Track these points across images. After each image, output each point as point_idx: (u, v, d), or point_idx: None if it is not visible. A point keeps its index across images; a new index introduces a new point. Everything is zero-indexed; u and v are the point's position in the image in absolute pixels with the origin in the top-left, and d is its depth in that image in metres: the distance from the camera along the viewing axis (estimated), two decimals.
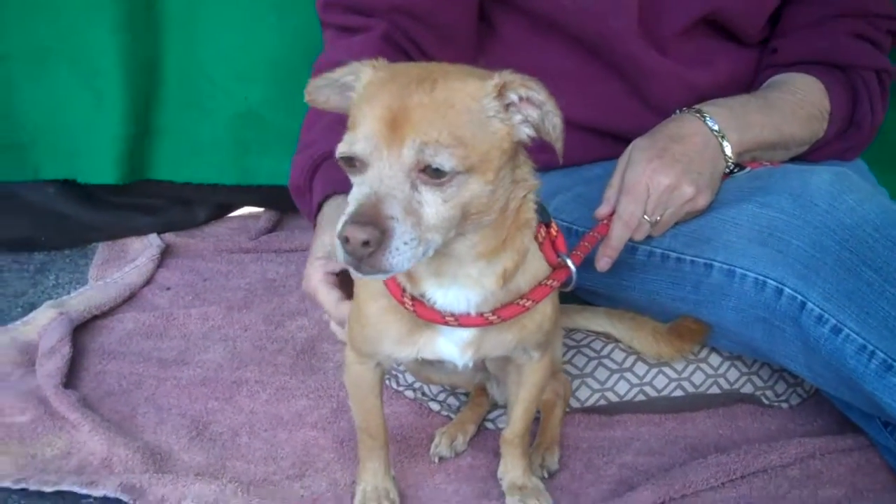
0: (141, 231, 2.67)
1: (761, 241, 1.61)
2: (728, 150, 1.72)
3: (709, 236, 1.69)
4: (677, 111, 1.77)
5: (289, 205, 2.73)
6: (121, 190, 2.62)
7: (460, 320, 1.37)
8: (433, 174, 1.17)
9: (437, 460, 1.75)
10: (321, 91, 1.34)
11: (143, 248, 2.58)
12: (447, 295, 1.36)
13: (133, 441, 1.79)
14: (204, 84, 2.54)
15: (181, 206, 2.72)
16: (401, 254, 1.16)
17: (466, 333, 1.41)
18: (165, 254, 2.59)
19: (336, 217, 1.23)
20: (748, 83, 1.99)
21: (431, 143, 1.15)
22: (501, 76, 1.23)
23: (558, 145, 1.25)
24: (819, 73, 1.91)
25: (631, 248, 1.75)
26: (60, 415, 1.85)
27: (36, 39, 2.48)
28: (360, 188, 1.19)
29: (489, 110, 1.22)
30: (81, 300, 2.27)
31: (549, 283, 1.42)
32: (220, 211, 2.80)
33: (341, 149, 1.20)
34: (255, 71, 2.54)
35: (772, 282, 1.61)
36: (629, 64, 1.83)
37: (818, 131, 1.88)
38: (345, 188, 1.43)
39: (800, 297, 1.57)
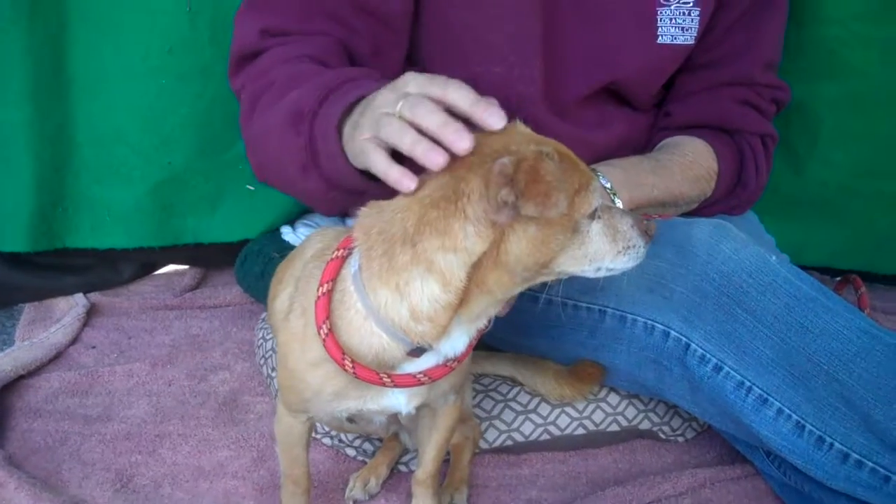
0: (67, 291, 2.70)
1: (649, 288, 1.74)
2: (619, 206, 1.84)
3: (602, 285, 1.80)
4: None
5: (213, 261, 2.84)
6: (46, 252, 2.64)
7: (395, 380, 1.42)
8: None
9: (351, 503, 1.83)
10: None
11: (69, 308, 2.62)
12: (422, 360, 1.41)
13: (58, 496, 1.83)
14: (124, 152, 2.57)
15: (106, 266, 2.76)
16: None
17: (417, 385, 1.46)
18: (91, 313, 2.63)
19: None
20: (642, 143, 2.14)
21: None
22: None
23: None
24: (708, 136, 2.07)
25: (531, 296, 1.85)
26: None
27: None
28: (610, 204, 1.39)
29: None
30: (8, 360, 2.31)
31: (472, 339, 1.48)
32: (145, 269, 2.85)
33: (597, 200, 1.32)
34: (177, 136, 2.57)
35: (659, 326, 1.73)
36: (532, 126, 1.94)
37: (706, 190, 2.04)
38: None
39: (684, 339, 1.70)
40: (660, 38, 2.00)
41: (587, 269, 1.36)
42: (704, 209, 2.08)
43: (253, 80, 1.80)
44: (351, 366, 1.38)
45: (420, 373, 1.41)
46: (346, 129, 1.46)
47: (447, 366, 1.43)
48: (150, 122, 2.55)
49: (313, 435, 2.00)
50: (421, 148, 1.25)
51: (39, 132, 2.50)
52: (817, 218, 2.67)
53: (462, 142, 1.24)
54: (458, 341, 1.39)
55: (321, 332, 1.37)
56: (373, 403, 1.48)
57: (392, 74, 1.89)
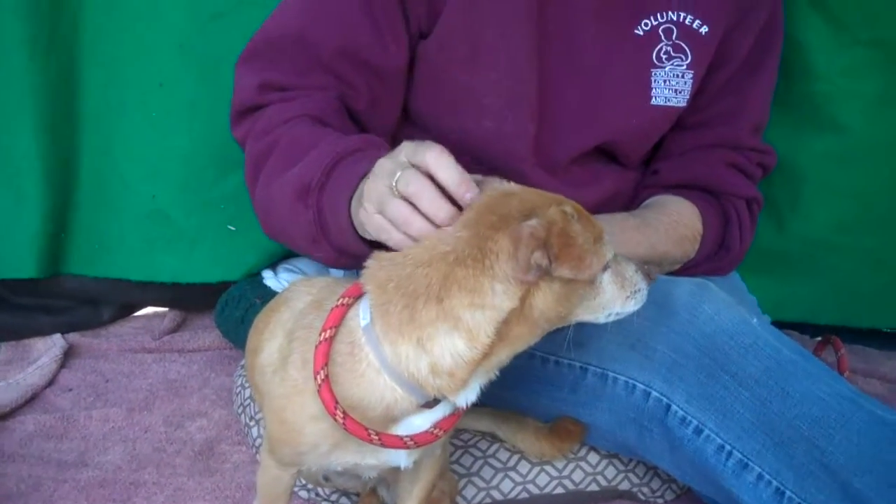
0: (44, 331, 2.68)
1: (630, 346, 1.73)
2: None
3: (583, 341, 1.80)
4: None
5: (193, 304, 2.82)
6: (25, 290, 2.64)
7: (382, 439, 1.42)
8: None
9: None
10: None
11: (47, 349, 2.59)
12: (424, 420, 1.43)
13: None
14: (116, 183, 2.60)
15: (87, 306, 2.75)
16: None
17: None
18: (69, 354, 2.61)
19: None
20: (629, 199, 2.14)
21: None
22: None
23: None
24: (694, 197, 2.08)
25: None
26: None
27: None
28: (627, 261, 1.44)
29: None
30: None
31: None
32: (125, 311, 2.83)
33: (610, 251, 1.38)
34: (163, 169, 2.60)
35: (640, 385, 1.73)
36: (520, 183, 1.93)
37: (690, 252, 2.03)
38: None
39: (665, 399, 1.69)
40: (654, 99, 2.00)
41: (600, 317, 1.43)
42: (687, 270, 2.07)
43: (255, 139, 1.81)
44: (342, 417, 1.37)
45: (408, 437, 1.42)
46: (354, 203, 1.49)
47: (433, 434, 1.44)
48: (139, 155, 2.59)
49: None
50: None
51: (52, 161, 2.55)
52: (797, 273, 2.67)
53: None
54: (472, 392, 1.40)
55: (317, 378, 1.37)
56: (371, 458, 1.47)
57: (388, 126, 1.93)
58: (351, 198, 1.50)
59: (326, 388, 1.37)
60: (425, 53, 1.92)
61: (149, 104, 2.55)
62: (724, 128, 2.10)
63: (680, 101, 2.03)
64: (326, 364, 1.37)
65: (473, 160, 1.96)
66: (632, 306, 1.44)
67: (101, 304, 2.77)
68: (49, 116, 2.51)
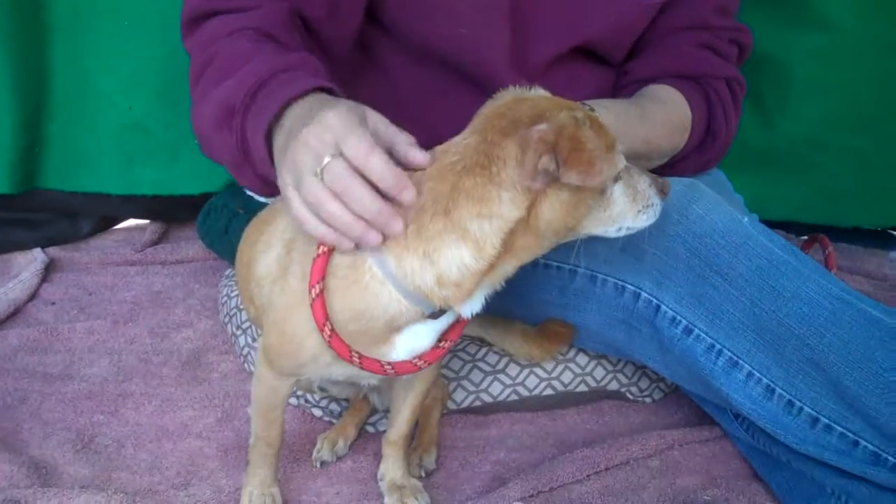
0: (24, 246, 2.66)
1: (620, 248, 1.72)
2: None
3: (572, 244, 1.78)
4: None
5: (174, 216, 2.79)
6: (2, 205, 2.60)
7: (363, 363, 1.43)
8: None
9: (319, 465, 1.82)
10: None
11: (27, 263, 2.57)
12: (428, 329, 1.43)
13: (18, 456, 1.80)
14: (91, 94, 2.55)
15: (65, 220, 2.72)
16: None
17: (422, 345, 1.45)
18: (50, 268, 2.59)
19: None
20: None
21: None
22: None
23: None
24: (677, 84, 2.00)
25: None
26: None
27: None
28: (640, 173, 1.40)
29: None
30: None
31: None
32: (105, 223, 2.80)
33: (623, 160, 1.35)
34: (139, 80, 2.55)
35: (630, 287, 1.72)
36: (500, 89, 1.89)
37: (679, 144, 1.97)
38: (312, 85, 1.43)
39: (655, 300, 1.69)
40: None
41: (610, 230, 1.40)
42: (677, 164, 2.02)
43: (197, 52, 1.72)
44: (328, 334, 1.37)
45: (417, 358, 1.44)
46: (277, 138, 1.43)
47: (441, 348, 1.46)
48: (114, 65, 2.55)
49: None
50: (343, 233, 1.29)
51: (22, 73, 2.49)
52: (784, 172, 2.68)
53: (397, 226, 1.29)
54: (477, 303, 1.39)
55: (312, 291, 1.36)
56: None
57: (348, 35, 1.85)
58: (272, 125, 1.44)
59: (319, 304, 1.36)
60: None
61: (121, 12, 2.49)
62: (685, 8, 2.01)
63: None
64: (322, 279, 1.36)
65: (449, 67, 1.92)
66: (644, 221, 1.41)
67: (81, 217, 2.75)
68: (15, 26, 2.44)
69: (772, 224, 2.62)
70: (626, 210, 1.38)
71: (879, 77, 2.51)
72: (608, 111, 1.73)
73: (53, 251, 2.66)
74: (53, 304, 2.44)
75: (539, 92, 1.39)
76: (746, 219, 1.66)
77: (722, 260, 1.62)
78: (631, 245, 1.70)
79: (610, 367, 2.01)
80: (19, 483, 1.74)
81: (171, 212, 2.75)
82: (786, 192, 2.70)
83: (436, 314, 1.39)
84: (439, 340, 1.48)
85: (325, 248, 1.36)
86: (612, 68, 2.09)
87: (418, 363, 1.46)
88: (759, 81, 2.55)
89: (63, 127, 2.60)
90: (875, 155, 2.61)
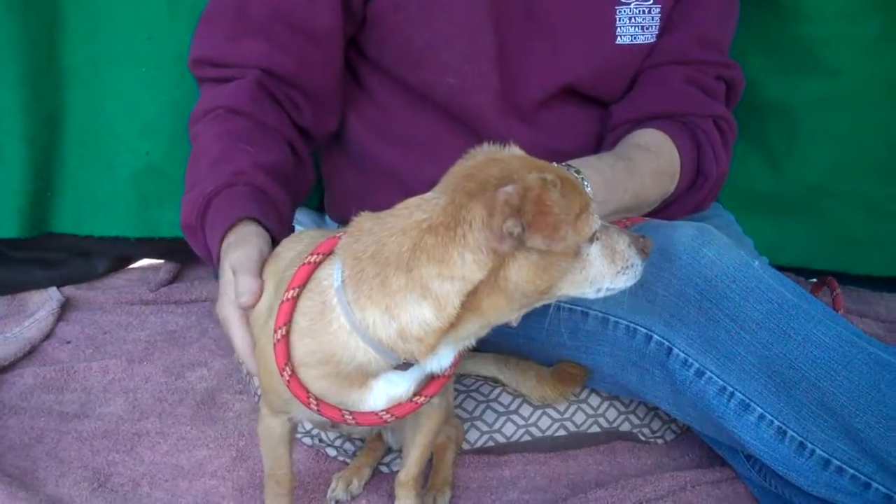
0: (40, 285, 2.67)
1: (632, 291, 1.72)
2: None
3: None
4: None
5: (189, 256, 2.80)
6: (19, 244, 2.62)
7: (357, 418, 1.46)
8: None
9: (333, 503, 1.83)
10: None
11: (43, 302, 2.59)
12: (402, 377, 1.44)
13: (34, 495, 1.81)
14: (107, 139, 2.57)
15: (81, 259, 2.73)
16: None
17: (399, 392, 1.46)
18: (65, 307, 2.60)
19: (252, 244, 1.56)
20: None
21: None
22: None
23: None
24: (663, 126, 1.99)
25: None
26: None
27: None
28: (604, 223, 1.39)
29: None
30: None
31: (446, 373, 1.49)
32: (120, 263, 2.82)
33: (597, 222, 1.35)
34: (156, 125, 2.57)
35: (642, 329, 1.74)
36: (493, 135, 1.89)
37: (669, 190, 1.97)
38: (239, 216, 1.64)
39: (666, 342, 1.71)
40: (619, 38, 1.97)
41: (588, 292, 1.39)
42: (668, 208, 2.02)
43: (190, 123, 1.95)
44: (288, 378, 1.41)
45: (384, 411, 1.45)
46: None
47: (414, 402, 1.46)
48: (130, 111, 2.56)
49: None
50: None
51: (35, 118, 2.51)
52: (793, 218, 2.68)
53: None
54: (444, 358, 1.40)
55: (277, 333, 1.39)
56: (354, 407, 1.47)
57: (321, 90, 1.97)
58: (218, 249, 1.67)
59: (282, 346, 1.40)
60: (383, 14, 1.91)
61: (138, 58, 2.51)
62: (669, 41, 2.02)
63: (648, 37, 2.00)
64: (288, 322, 1.39)
65: (444, 114, 1.96)
66: (623, 282, 1.40)
67: (96, 256, 2.76)
68: (30, 70, 2.46)
69: (782, 269, 2.65)
70: (604, 272, 1.37)
71: (888, 122, 2.52)
72: (596, 173, 1.75)
73: (69, 290, 2.68)
74: (69, 342, 2.46)
75: (514, 151, 1.39)
76: (757, 262, 1.68)
77: (732, 303, 1.64)
78: (643, 288, 1.71)
79: (622, 408, 2.02)
80: None
81: (185, 251, 2.74)
82: (796, 237, 2.70)
83: (403, 365, 1.40)
84: (415, 394, 1.48)
85: (293, 294, 1.39)
86: (605, 108, 2.10)
87: (384, 416, 1.46)
88: (766, 128, 2.59)
89: (77, 171, 2.62)
90: (885, 201, 2.61)
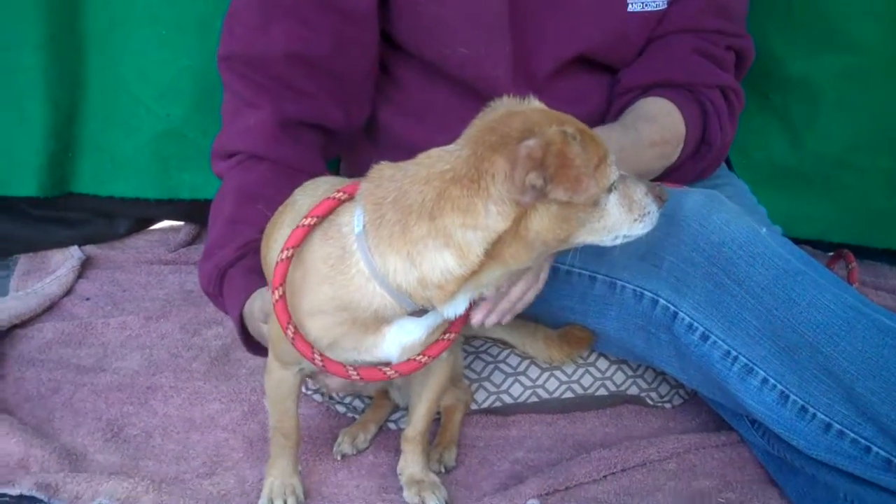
0: (62, 243, 2.71)
1: (640, 256, 1.75)
2: None
3: (593, 251, 1.81)
4: None
5: (207, 219, 2.84)
6: (43, 203, 2.67)
7: (361, 374, 1.50)
8: None
9: (340, 457, 1.86)
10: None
11: (64, 260, 2.63)
12: (416, 325, 1.48)
13: (49, 443, 1.86)
14: (127, 101, 2.60)
15: (102, 219, 2.77)
16: None
17: (411, 339, 1.50)
18: (86, 265, 2.65)
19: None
20: None
21: None
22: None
23: None
24: (670, 95, 1.97)
25: None
26: None
27: None
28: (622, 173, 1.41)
29: None
30: (2, 309, 2.33)
31: (448, 336, 1.53)
32: (141, 224, 2.86)
33: (616, 171, 1.38)
34: (176, 88, 2.60)
35: (648, 293, 1.75)
36: None
37: (672, 159, 1.96)
38: (253, 288, 1.69)
39: (672, 307, 1.72)
40: (630, 6, 1.96)
41: (605, 240, 1.42)
42: (672, 173, 1.99)
43: (213, 157, 1.99)
44: (292, 335, 1.45)
45: (390, 368, 1.49)
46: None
47: (418, 361, 1.50)
48: (151, 73, 2.59)
49: (304, 391, 2.02)
50: None
51: (55, 78, 2.55)
52: (812, 191, 2.67)
53: None
54: (460, 305, 1.43)
55: (276, 293, 1.43)
56: (367, 354, 1.50)
57: (356, 75, 1.94)
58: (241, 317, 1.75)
59: (282, 305, 1.44)
60: None
61: (158, 21, 2.54)
62: (678, 9, 2.01)
63: (659, 4, 1.98)
64: (283, 283, 1.43)
65: (459, 85, 1.96)
66: (640, 229, 1.44)
67: (117, 217, 2.80)
68: (50, 33, 2.49)
69: (800, 242, 2.65)
70: (622, 220, 1.41)
71: None
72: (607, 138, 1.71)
73: (90, 249, 2.72)
74: (88, 299, 2.50)
75: (534, 104, 1.42)
76: (765, 230, 1.69)
77: (739, 269, 1.65)
78: (650, 253, 1.73)
79: (630, 372, 2.03)
80: (50, 468, 1.80)
81: (205, 214, 2.78)
82: (814, 210, 2.70)
83: (418, 312, 1.43)
84: (425, 348, 1.51)
85: (289, 253, 1.43)
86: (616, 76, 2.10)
87: (389, 373, 1.49)
88: (787, 102, 2.59)
89: (98, 133, 2.66)
90: None
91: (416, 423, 1.74)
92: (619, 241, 1.43)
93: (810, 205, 2.68)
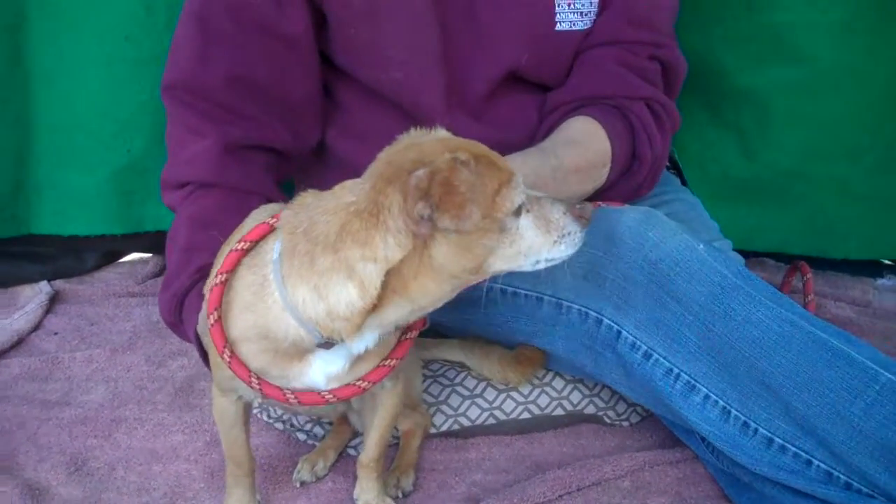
0: (31, 279, 2.74)
1: (583, 275, 1.78)
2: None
3: (538, 272, 1.83)
4: None
5: None
6: (9, 240, 2.70)
7: (300, 397, 1.52)
8: None
9: (299, 485, 1.88)
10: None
11: (34, 296, 2.66)
12: (336, 355, 1.50)
13: (12, 479, 1.88)
14: (83, 139, 2.62)
15: (71, 254, 2.80)
16: None
17: (335, 369, 1.52)
18: (55, 300, 2.67)
19: None
20: None
21: None
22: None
23: None
24: (596, 112, 1.95)
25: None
26: None
27: None
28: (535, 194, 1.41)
29: None
30: None
31: (409, 336, 1.56)
32: (109, 257, 2.89)
33: (521, 197, 1.36)
34: (136, 123, 2.61)
35: (592, 313, 1.78)
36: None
37: (599, 181, 1.94)
38: None
39: (616, 326, 1.75)
40: (558, 25, 1.98)
41: (524, 265, 1.41)
42: (604, 194, 1.97)
43: (163, 187, 2.02)
44: (228, 358, 1.48)
45: (328, 392, 1.51)
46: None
47: (357, 386, 1.52)
48: (108, 110, 2.60)
49: (266, 419, 2.04)
50: None
51: (0, 120, 2.55)
52: (768, 203, 2.71)
53: None
54: (369, 339, 1.45)
55: (210, 318, 1.47)
56: (296, 381, 1.52)
57: (301, 98, 1.98)
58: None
59: (217, 329, 1.47)
60: (331, 9, 1.94)
61: (114, 58, 2.55)
62: (600, 23, 2.01)
63: (587, 23, 2.00)
64: (219, 307, 1.46)
65: (396, 109, 1.99)
66: (561, 252, 1.42)
67: (84, 252, 2.83)
68: None
69: (758, 255, 2.69)
70: (539, 243, 1.40)
71: (858, 107, 2.55)
72: (524, 165, 1.74)
73: (59, 283, 2.75)
74: (56, 334, 2.52)
75: (440, 133, 1.43)
76: (702, 245, 1.72)
77: (677, 286, 1.68)
78: (592, 272, 1.76)
79: (587, 391, 2.06)
80: None
81: None
82: (771, 223, 2.73)
83: (326, 344, 1.45)
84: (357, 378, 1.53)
85: (221, 279, 1.46)
86: None
87: (327, 396, 1.51)
88: (739, 114, 2.62)
89: (53, 172, 2.67)
90: (858, 185, 2.64)
91: (368, 450, 1.76)
92: (541, 266, 1.42)
93: (767, 217, 2.71)
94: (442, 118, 1.73)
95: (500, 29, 1.98)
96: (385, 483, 1.83)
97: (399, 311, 1.40)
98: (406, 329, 1.56)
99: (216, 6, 1.91)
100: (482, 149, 1.38)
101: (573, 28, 2.00)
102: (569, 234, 1.41)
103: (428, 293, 1.37)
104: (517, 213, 1.37)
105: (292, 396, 1.52)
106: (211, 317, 1.46)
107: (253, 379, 1.49)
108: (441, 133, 1.43)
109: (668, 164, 2.43)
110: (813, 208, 2.69)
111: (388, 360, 1.55)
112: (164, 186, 1.98)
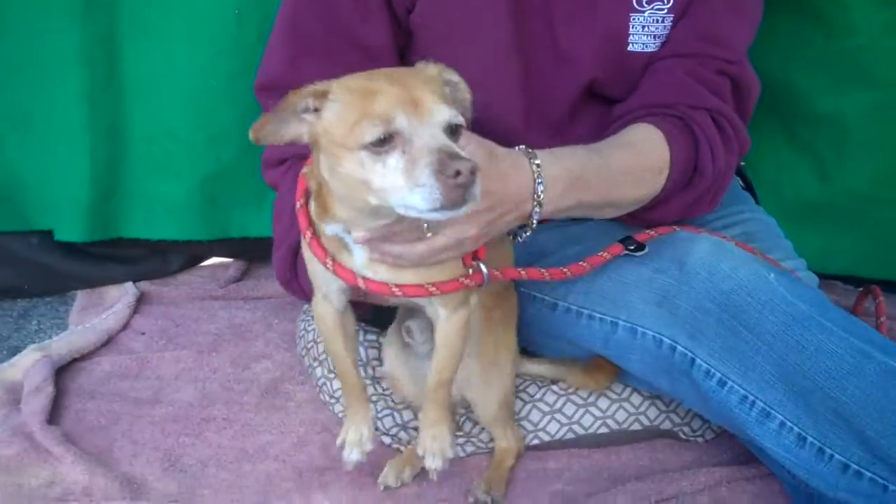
0: (118, 280, 2.83)
1: (657, 302, 1.82)
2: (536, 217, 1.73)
3: (614, 297, 1.88)
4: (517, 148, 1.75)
5: (256, 255, 2.95)
6: (98, 242, 2.78)
7: (368, 284, 1.62)
8: (452, 132, 1.42)
9: (382, 488, 1.95)
10: (269, 131, 1.47)
11: (120, 296, 2.75)
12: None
13: (111, 472, 1.97)
14: (173, 147, 2.69)
15: (156, 257, 2.89)
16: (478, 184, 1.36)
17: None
18: (140, 301, 2.76)
19: None
20: None
21: (448, 107, 1.41)
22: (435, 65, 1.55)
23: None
24: (658, 121, 1.94)
25: (552, 304, 1.98)
26: (45, 448, 2.03)
27: (16, 101, 2.63)
28: (426, 141, 1.36)
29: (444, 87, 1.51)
30: (63, 344, 2.45)
31: (464, 280, 1.64)
32: (193, 261, 2.98)
33: (374, 133, 1.36)
34: (227, 134, 2.68)
35: (667, 340, 1.82)
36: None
37: (654, 187, 1.91)
38: None
39: (690, 353, 1.78)
40: (630, 46, 2.01)
41: (394, 203, 1.39)
42: (658, 207, 1.96)
43: (263, 168, 2.18)
44: (309, 239, 1.64)
45: (395, 285, 1.62)
46: None
47: (426, 288, 1.62)
48: (200, 120, 2.67)
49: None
50: None
51: (95, 129, 2.64)
52: (842, 226, 2.72)
53: None
54: (336, 228, 1.59)
55: (297, 205, 1.63)
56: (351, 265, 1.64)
57: None
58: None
59: (303, 213, 1.64)
60: (414, 28, 2.00)
61: (207, 72, 2.62)
62: (671, 37, 2.01)
63: (657, 44, 2.02)
64: (311, 225, 1.64)
65: (476, 128, 2.02)
66: (420, 202, 1.35)
67: (170, 254, 2.91)
68: (88, 83, 2.58)
69: (831, 278, 2.70)
70: (398, 185, 1.36)
71: None
72: (556, 161, 1.74)
73: (144, 285, 2.84)
74: (143, 334, 2.61)
75: (418, 67, 1.56)
76: (773, 275, 1.75)
77: (749, 316, 1.71)
78: (666, 300, 1.80)
79: (663, 407, 2.11)
80: (113, 496, 1.91)
81: (253, 251, 2.91)
82: (845, 246, 2.74)
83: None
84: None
85: (303, 201, 1.63)
86: None
87: (395, 290, 1.61)
88: (815, 138, 2.65)
89: (144, 179, 2.75)
90: None
91: (430, 377, 1.77)
92: (413, 213, 1.38)
93: (840, 240, 2.73)
94: (522, 138, 1.78)
95: (578, 52, 2.02)
96: (475, 485, 1.91)
97: (341, 211, 1.54)
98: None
99: (308, 13, 1.99)
100: (378, 83, 1.43)
101: (645, 50, 2.02)
102: (423, 185, 1.34)
103: (344, 200, 1.51)
104: (383, 150, 1.37)
105: (362, 282, 1.62)
106: (298, 203, 1.62)
107: (328, 260, 1.61)
108: (417, 67, 1.55)
109: (742, 184, 2.47)
110: (886, 232, 2.70)
111: (465, 279, 1.64)
112: (265, 165, 2.11)
